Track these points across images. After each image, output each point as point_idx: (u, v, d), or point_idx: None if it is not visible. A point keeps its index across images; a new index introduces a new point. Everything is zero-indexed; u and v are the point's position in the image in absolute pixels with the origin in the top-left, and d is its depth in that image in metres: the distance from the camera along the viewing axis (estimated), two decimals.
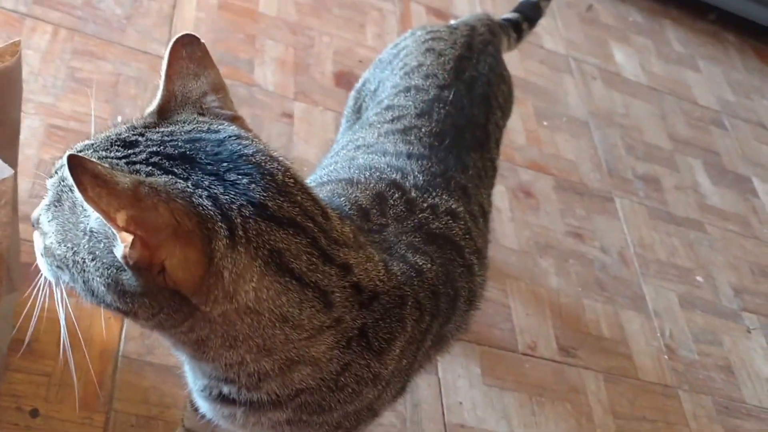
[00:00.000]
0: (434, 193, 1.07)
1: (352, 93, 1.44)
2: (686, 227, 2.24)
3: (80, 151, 0.77)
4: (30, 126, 1.57)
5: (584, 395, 1.68)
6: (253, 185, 0.74)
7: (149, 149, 0.75)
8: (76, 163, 0.66)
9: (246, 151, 0.76)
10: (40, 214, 0.80)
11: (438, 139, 1.17)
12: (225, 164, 0.74)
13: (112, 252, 0.71)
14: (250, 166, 0.75)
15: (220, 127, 0.79)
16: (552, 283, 1.89)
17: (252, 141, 0.78)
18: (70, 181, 0.67)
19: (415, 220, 1.02)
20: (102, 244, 0.73)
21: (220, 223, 0.71)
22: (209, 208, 0.71)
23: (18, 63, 1.10)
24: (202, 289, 0.72)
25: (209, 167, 0.74)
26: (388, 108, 1.24)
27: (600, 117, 2.46)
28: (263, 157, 0.77)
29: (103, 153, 0.76)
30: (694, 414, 1.75)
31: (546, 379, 1.67)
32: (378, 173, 1.07)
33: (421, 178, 1.08)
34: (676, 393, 1.78)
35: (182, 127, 0.79)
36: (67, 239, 0.76)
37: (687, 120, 2.65)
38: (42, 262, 0.85)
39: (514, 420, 1.56)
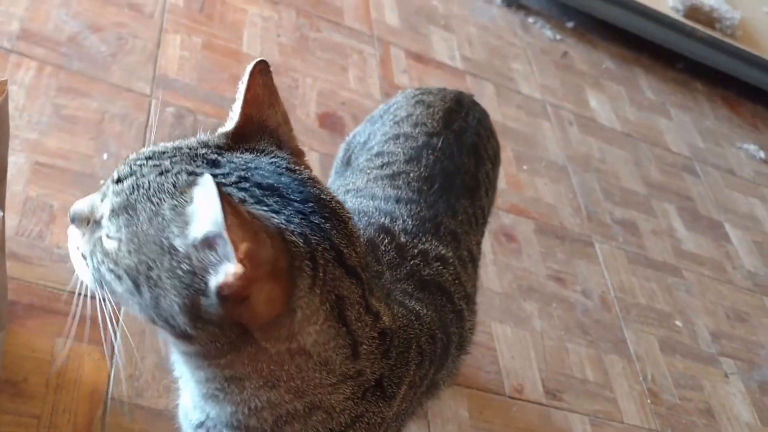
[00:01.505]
0: (423, 239, 1.09)
1: (342, 145, 1.48)
2: (664, 272, 2.31)
3: (163, 155, 0.77)
4: (15, 162, 1.57)
5: None
6: (334, 231, 0.76)
7: (237, 173, 0.75)
8: (215, 187, 0.64)
9: (324, 197, 0.78)
10: (96, 213, 0.79)
11: (427, 184, 1.19)
12: (309, 204, 0.76)
13: (194, 274, 0.70)
14: (329, 211, 0.77)
15: (298, 167, 0.80)
16: (536, 326, 1.92)
17: (326, 187, 0.81)
18: (152, 190, 0.70)
19: (407, 267, 1.04)
20: (185, 266, 0.71)
21: (307, 262, 0.72)
22: (301, 246, 0.72)
23: (5, 102, 1.11)
24: (271, 325, 0.73)
25: (296, 204, 0.75)
26: (378, 155, 1.26)
27: (577, 162, 2.53)
28: (337, 205, 0.79)
29: (190, 167, 0.76)
30: None
31: (533, 422, 1.69)
32: (366, 218, 1.09)
33: (410, 223, 1.11)
34: None
35: (265, 157, 0.79)
36: (140, 251, 0.73)
37: (660, 166, 2.74)
38: (86, 263, 0.82)
39: None
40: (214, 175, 0.71)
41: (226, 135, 0.81)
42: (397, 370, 0.88)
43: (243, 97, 0.82)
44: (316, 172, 1.95)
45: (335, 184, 1.31)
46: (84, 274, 0.82)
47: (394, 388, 0.88)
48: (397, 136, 1.27)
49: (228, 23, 2.25)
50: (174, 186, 0.73)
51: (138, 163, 0.78)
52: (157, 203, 0.73)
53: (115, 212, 0.76)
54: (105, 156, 1.70)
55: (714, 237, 2.55)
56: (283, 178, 0.77)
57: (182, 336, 0.76)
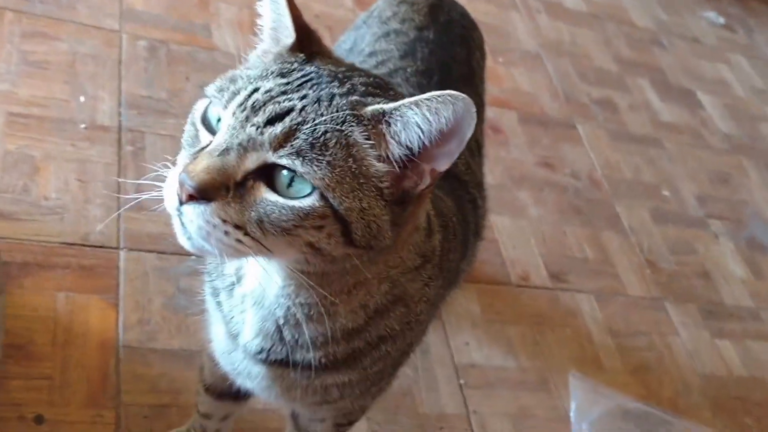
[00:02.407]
0: None
1: None
2: (645, 145, 2.12)
3: (299, 86, 0.63)
4: None
5: (581, 318, 1.56)
6: None
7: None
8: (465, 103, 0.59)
9: None
10: (237, 174, 0.59)
11: (426, 77, 1.06)
12: None
13: (395, 187, 0.62)
14: None
15: None
16: (532, 214, 1.75)
17: None
18: (331, 124, 0.59)
19: None
20: (384, 184, 0.62)
21: None
22: None
23: None
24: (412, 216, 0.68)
25: None
26: (371, 54, 1.12)
27: (550, 48, 2.30)
28: None
29: (342, 89, 0.64)
30: (682, 322, 1.66)
31: (542, 307, 1.55)
32: None
33: None
34: (663, 305, 1.68)
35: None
36: (353, 188, 0.60)
37: (629, 42, 2.51)
38: (234, 235, 0.60)
39: (520, 352, 1.44)
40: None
41: (292, 45, 0.67)
42: (447, 246, 0.82)
43: (291, 11, 0.67)
44: None
45: None
46: (229, 247, 0.60)
47: (448, 263, 0.84)
48: (387, 34, 1.12)
49: None
50: (354, 113, 0.61)
51: (282, 104, 0.60)
52: (347, 134, 0.60)
53: (296, 161, 0.58)
54: (82, 98, 1.47)
55: (688, 105, 2.35)
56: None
57: (365, 246, 0.62)
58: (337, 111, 0.60)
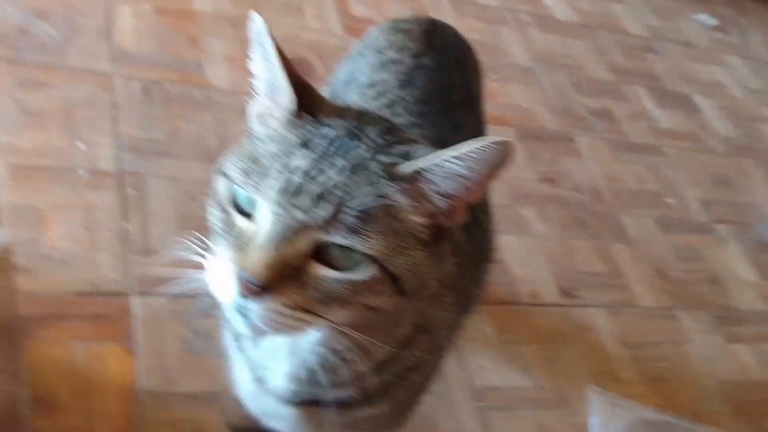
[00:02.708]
0: None
1: (325, 88, 1.33)
2: (646, 153, 2.19)
3: (322, 161, 0.64)
4: None
5: (595, 332, 1.62)
6: None
7: None
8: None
9: None
10: (293, 260, 0.62)
11: (426, 105, 1.10)
12: None
13: (433, 227, 0.67)
14: None
15: None
16: (537, 230, 1.81)
17: None
18: (372, 192, 0.63)
19: None
20: (425, 233, 0.67)
21: None
22: None
23: None
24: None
25: None
26: (370, 86, 1.15)
27: (543, 61, 2.38)
28: None
29: (367, 151, 0.67)
30: (695, 329, 1.71)
31: (555, 324, 1.60)
32: None
33: None
34: (674, 313, 1.74)
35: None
36: (402, 248, 0.65)
37: (622, 50, 2.59)
38: (300, 317, 0.64)
39: (536, 371, 1.49)
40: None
41: (296, 110, 0.68)
42: (461, 270, 0.86)
43: (285, 70, 0.67)
44: None
45: None
46: (292, 327, 0.64)
47: (463, 289, 0.89)
48: (384, 64, 1.15)
49: None
50: (392, 177, 0.65)
51: (322, 183, 0.62)
52: (390, 200, 0.64)
53: (350, 238, 0.62)
54: (80, 145, 1.53)
55: (685, 110, 2.43)
56: None
57: (388, 310, 0.67)
58: (376, 178, 0.63)
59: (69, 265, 1.31)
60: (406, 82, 1.12)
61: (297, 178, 0.62)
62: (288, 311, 0.62)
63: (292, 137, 0.66)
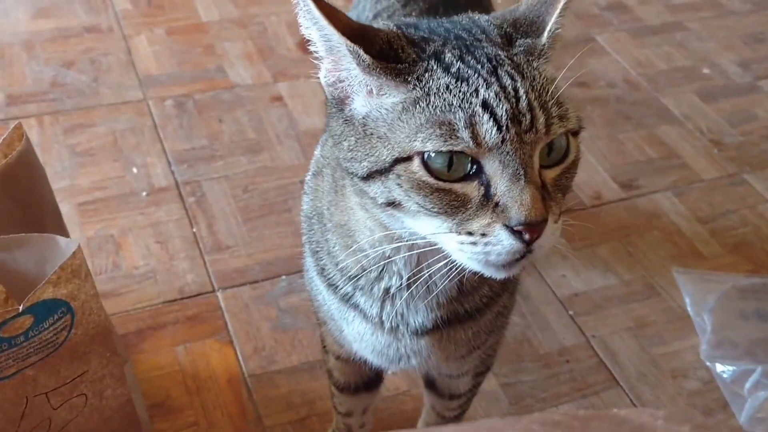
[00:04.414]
0: None
1: None
2: (668, 32, 2.05)
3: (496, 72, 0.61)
4: (62, 213, 1.39)
5: (665, 217, 1.52)
6: None
7: None
8: None
9: None
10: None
11: (432, 12, 1.03)
12: None
13: None
14: None
15: None
16: (583, 134, 1.69)
17: None
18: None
19: None
20: None
21: None
22: None
23: (29, 144, 0.93)
24: None
25: None
26: (376, 16, 1.10)
27: None
28: None
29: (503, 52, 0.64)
30: (767, 188, 1.59)
31: (624, 218, 1.51)
32: None
33: None
34: (742, 178, 1.62)
35: None
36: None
37: None
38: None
39: (617, 268, 1.41)
40: None
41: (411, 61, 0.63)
42: None
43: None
44: (320, 94, 1.73)
45: None
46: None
47: None
48: None
49: (178, 3, 1.99)
50: (538, 55, 0.65)
51: (522, 97, 0.59)
52: (547, 71, 0.65)
53: (565, 124, 0.61)
54: (134, 170, 1.51)
55: None
56: None
57: None
58: (537, 63, 0.63)
59: (153, 278, 1.30)
60: (408, 0, 1.06)
61: (503, 107, 0.57)
62: (560, 223, 0.60)
63: (470, 68, 0.60)
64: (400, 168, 0.59)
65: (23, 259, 0.85)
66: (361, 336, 0.79)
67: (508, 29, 0.65)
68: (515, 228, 0.57)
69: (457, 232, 0.59)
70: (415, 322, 0.75)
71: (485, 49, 0.62)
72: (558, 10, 0.65)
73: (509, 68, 0.60)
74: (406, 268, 0.70)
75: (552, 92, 0.60)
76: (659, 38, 2.02)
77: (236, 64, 1.81)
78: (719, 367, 1.21)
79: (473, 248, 0.59)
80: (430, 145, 0.57)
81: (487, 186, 0.58)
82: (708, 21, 2.10)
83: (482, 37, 0.63)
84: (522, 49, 0.63)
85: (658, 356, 1.26)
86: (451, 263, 0.62)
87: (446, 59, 0.61)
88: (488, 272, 0.61)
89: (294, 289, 1.29)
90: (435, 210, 0.59)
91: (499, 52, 0.61)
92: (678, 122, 1.76)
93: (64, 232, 1.04)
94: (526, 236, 0.57)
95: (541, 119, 0.58)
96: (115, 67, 1.77)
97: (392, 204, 0.61)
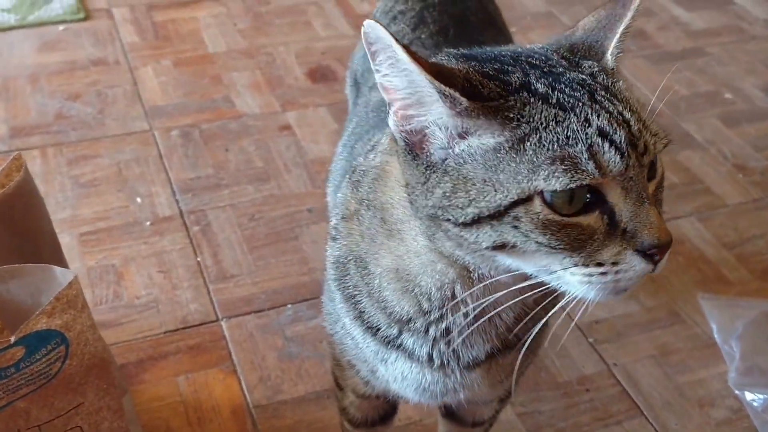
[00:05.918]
0: None
1: (347, 72, 1.33)
2: (688, 58, 2.09)
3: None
4: (62, 243, 1.41)
5: (689, 242, 1.52)
6: None
7: None
8: None
9: None
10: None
11: (441, 35, 1.06)
12: None
13: None
14: None
15: None
16: None
17: None
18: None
19: None
20: None
21: None
22: None
23: (28, 175, 0.97)
24: None
25: None
26: None
27: (558, 3, 2.30)
28: None
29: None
30: None
31: None
32: None
33: None
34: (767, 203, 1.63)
35: None
36: None
37: None
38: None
39: (640, 294, 1.41)
40: None
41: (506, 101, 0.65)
42: None
43: (425, 70, 0.60)
44: (329, 123, 1.80)
45: (360, 101, 1.14)
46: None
47: None
48: (394, 18, 1.14)
49: (185, 35, 2.06)
50: (615, 76, 0.67)
51: (630, 119, 0.61)
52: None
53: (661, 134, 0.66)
54: (138, 200, 1.55)
55: (717, 6, 2.31)
56: None
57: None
58: (621, 84, 0.64)
59: (155, 308, 1.32)
60: (417, 24, 1.09)
61: (620, 133, 0.58)
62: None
63: (580, 101, 0.59)
64: (519, 210, 0.58)
65: (18, 290, 0.86)
66: (403, 376, 0.79)
67: (566, 54, 0.66)
68: (648, 252, 0.59)
69: (584, 264, 0.59)
70: (468, 356, 0.76)
71: (568, 75, 0.62)
72: (618, 35, 0.66)
73: (602, 92, 0.61)
74: (477, 306, 0.69)
75: (642, 110, 0.62)
76: (680, 64, 2.06)
77: (244, 93, 1.87)
78: (749, 396, 1.20)
79: (602, 278, 0.59)
80: (556, 182, 0.57)
81: (611, 214, 0.59)
82: (728, 46, 2.14)
83: (554, 63, 0.63)
84: (596, 70, 0.63)
85: (683, 384, 1.26)
86: (520, 293, 0.63)
87: (539, 90, 0.60)
88: (607, 299, 0.62)
89: (301, 317, 1.31)
90: (560, 246, 0.59)
91: (583, 77, 0.62)
92: (701, 147, 1.77)
93: (62, 263, 1.06)
94: (657, 258, 0.59)
95: (651, 139, 0.61)
96: (121, 99, 1.82)
97: (501, 246, 0.60)
